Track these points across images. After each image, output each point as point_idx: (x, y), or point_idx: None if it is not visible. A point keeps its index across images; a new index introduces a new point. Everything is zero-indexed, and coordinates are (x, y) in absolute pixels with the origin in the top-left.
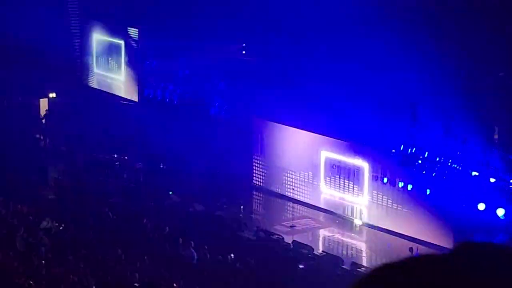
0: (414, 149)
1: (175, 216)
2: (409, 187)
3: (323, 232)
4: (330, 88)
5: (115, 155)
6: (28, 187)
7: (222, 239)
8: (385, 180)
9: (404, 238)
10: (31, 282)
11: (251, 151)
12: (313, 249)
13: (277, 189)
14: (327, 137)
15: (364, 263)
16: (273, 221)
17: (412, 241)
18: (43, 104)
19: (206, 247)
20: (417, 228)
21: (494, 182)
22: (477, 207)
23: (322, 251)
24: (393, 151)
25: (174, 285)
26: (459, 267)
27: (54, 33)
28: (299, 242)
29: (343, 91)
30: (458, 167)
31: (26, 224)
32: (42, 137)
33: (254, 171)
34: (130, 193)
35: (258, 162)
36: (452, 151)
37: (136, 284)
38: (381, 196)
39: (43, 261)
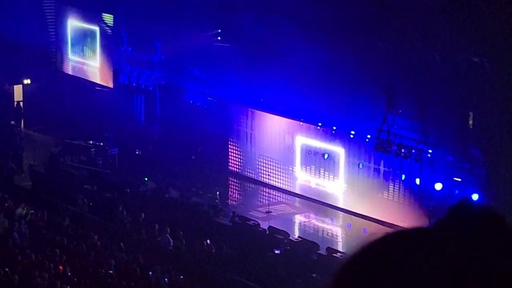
0: (389, 135)
1: (150, 203)
2: (385, 172)
3: (299, 218)
4: (305, 73)
5: (91, 142)
6: (3, 174)
7: (198, 225)
8: (361, 165)
9: (380, 223)
10: (6, 269)
11: (226, 137)
12: (289, 235)
13: (253, 175)
14: (302, 123)
15: (340, 249)
16: (249, 207)
17: (387, 226)
18: (18, 90)
19: (182, 233)
20: (392, 214)
21: (469, 167)
22: (451, 192)
23: (298, 237)
24: (369, 136)
25: (150, 273)
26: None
27: (29, 19)
28: (275, 228)
29: (318, 77)
30: (433, 152)
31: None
32: (17, 124)
33: (230, 157)
34: (105, 180)
35: (234, 148)
36: (428, 136)
37: (111, 271)
38: (356, 181)
39: (18, 248)
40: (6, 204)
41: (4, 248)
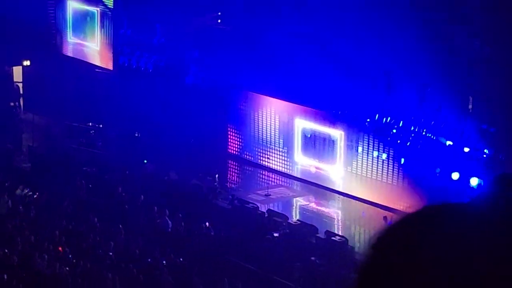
0: (388, 119)
1: (150, 185)
2: (384, 156)
3: (298, 201)
4: (305, 57)
5: (90, 124)
6: (2, 155)
7: (197, 208)
8: (360, 149)
9: (378, 207)
10: (6, 250)
11: (226, 120)
12: (287, 218)
13: (252, 158)
14: (302, 106)
15: (339, 232)
16: (248, 190)
17: (386, 210)
18: (17, 72)
19: (181, 216)
20: (391, 197)
21: (468, 151)
22: (451, 176)
23: (297, 220)
24: (368, 120)
25: (149, 259)
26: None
27: (29, 0)
28: (274, 211)
29: (319, 60)
30: (432, 137)
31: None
32: (16, 105)
33: (229, 139)
34: (104, 162)
35: (233, 131)
36: (427, 121)
37: (110, 253)
38: (355, 165)
39: (17, 229)
40: (6, 184)
41: (4, 230)
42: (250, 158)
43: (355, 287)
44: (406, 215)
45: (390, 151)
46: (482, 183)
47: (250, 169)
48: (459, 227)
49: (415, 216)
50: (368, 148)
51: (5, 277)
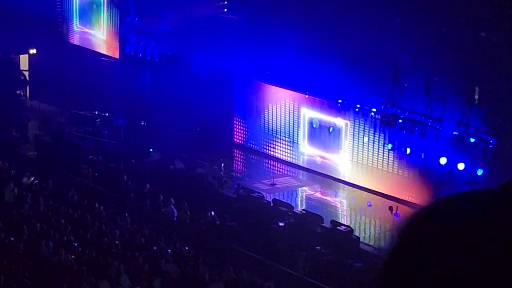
0: (394, 109)
1: (155, 174)
2: (389, 146)
3: (303, 190)
4: (311, 46)
5: (96, 112)
6: (8, 143)
7: (203, 197)
8: (366, 139)
9: (384, 197)
10: (12, 238)
11: (232, 109)
12: (293, 207)
13: (258, 147)
14: (308, 96)
15: (344, 222)
16: (254, 179)
17: (391, 200)
18: (24, 60)
19: (186, 205)
20: (396, 187)
21: (474, 142)
22: (456, 166)
23: (302, 209)
24: (374, 110)
25: (154, 248)
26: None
27: None
28: (280, 200)
29: (325, 50)
30: (438, 127)
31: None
32: (22, 93)
33: (235, 128)
34: (110, 150)
35: (239, 120)
36: (433, 111)
37: (116, 242)
38: (361, 155)
39: (23, 217)
40: (12, 172)
41: (10, 217)
42: (255, 147)
43: (382, 279)
44: (438, 200)
45: (396, 141)
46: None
47: (255, 158)
48: (494, 214)
49: (447, 201)
50: (374, 138)
51: (12, 264)
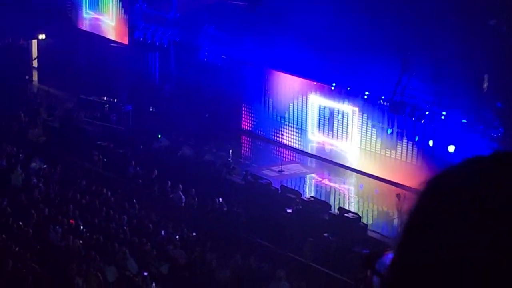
0: (403, 96)
1: (163, 159)
2: (398, 133)
3: (311, 177)
4: (320, 34)
5: (105, 98)
6: (17, 128)
7: (211, 183)
8: (374, 127)
9: (392, 185)
10: (20, 223)
11: (240, 96)
12: (301, 194)
13: (266, 134)
14: (317, 83)
15: (352, 209)
16: (262, 166)
17: (399, 187)
18: (33, 45)
19: (194, 191)
20: (405, 175)
21: (483, 129)
22: (465, 154)
23: (310, 196)
24: (383, 98)
25: (162, 232)
26: None
27: None
28: (287, 187)
29: (334, 36)
30: (447, 115)
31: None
32: (31, 78)
33: (243, 115)
34: (118, 136)
35: (247, 106)
36: (442, 98)
37: (125, 227)
38: (369, 142)
39: (32, 202)
40: (21, 156)
41: (18, 202)
42: (263, 134)
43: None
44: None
45: (405, 129)
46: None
47: (263, 145)
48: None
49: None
50: (382, 126)
51: (20, 249)
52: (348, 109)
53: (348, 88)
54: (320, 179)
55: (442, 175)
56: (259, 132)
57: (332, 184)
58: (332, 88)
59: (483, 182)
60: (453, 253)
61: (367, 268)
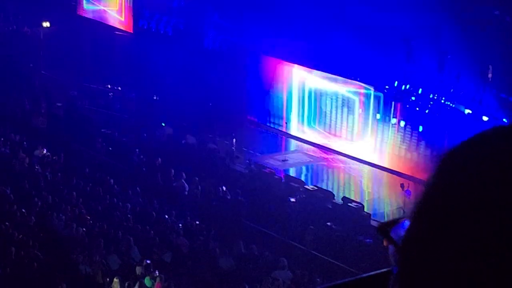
0: (408, 86)
1: (167, 148)
2: (402, 123)
3: (314, 167)
4: (324, 23)
5: (109, 86)
6: (21, 116)
7: (214, 172)
8: (378, 116)
9: (396, 174)
10: (23, 210)
11: (244, 84)
12: (304, 183)
13: (270, 123)
14: (321, 72)
15: (355, 198)
16: (266, 155)
17: (403, 177)
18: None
19: (197, 179)
20: (408, 165)
21: (487, 120)
22: None
23: (314, 185)
24: (387, 87)
25: (166, 217)
26: None
27: None
28: (291, 176)
29: (338, 26)
30: (451, 105)
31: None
32: (35, 66)
33: (247, 104)
34: (122, 124)
35: (252, 95)
36: (446, 89)
37: (128, 215)
38: (373, 132)
39: (35, 189)
40: (24, 143)
41: (22, 190)
42: (268, 123)
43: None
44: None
45: (409, 118)
46: None
47: (267, 134)
48: None
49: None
50: (386, 115)
51: (23, 236)
52: (351, 98)
53: (353, 78)
54: (324, 168)
55: (464, 144)
56: (263, 121)
57: (335, 173)
58: (337, 77)
59: (504, 151)
60: (472, 223)
61: (382, 236)
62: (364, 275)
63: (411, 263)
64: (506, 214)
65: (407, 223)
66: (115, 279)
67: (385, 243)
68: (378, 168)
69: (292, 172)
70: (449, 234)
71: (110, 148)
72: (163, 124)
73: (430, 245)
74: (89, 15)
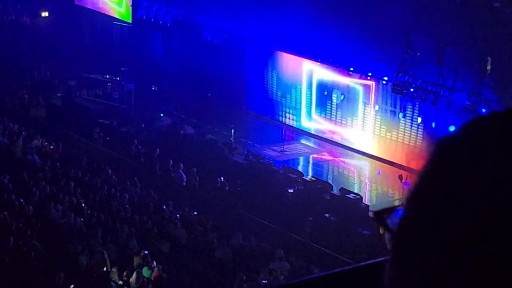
0: (407, 77)
1: (165, 138)
2: (401, 115)
3: (313, 158)
4: (324, 13)
5: (107, 76)
6: (19, 106)
7: (212, 162)
8: (377, 107)
9: (394, 166)
10: (21, 200)
11: (243, 75)
12: (302, 174)
13: (268, 114)
14: (320, 63)
15: (354, 190)
16: (264, 146)
17: (402, 169)
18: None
19: (195, 170)
20: (407, 156)
21: (485, 112)
22: None
23: (312, 177)
24: (386, 78)
25: (164, 207)
26: None
27: None
28: (289, 167)
29: (337, 17)
30: (450, 97)
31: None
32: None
33: (246, 95)
34: (121, 114)
35: (250, 86)
36: (445, 80)
37: (128, 206)
38: (372, 123)
39: (33, 179)
40: (23, 133)
41: (20, 180)
42: (266, 113)
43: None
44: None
45: (408, 110)
46: None
47: (266, 124)
48: None
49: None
50: (385, 107)
51: (21, 226)
52: (351, 90)
53: (351, 69)
54: (322, 160)
55: (458, 130)
56: (261, 111)
57: (334, 165)
58: (336, 68)
59: (499, 136)
60: (465, 208)
61: (378, 224)
62: (361, 264)
63: (405, 249)
64: (499, 198)
65: (401, 211)
66: (113, 269)
67: (381, 231)
68: (377, 159)
69: (290, 163)
70: (442, 219)
71: (108, 139)
72: (162, 115)
73: (423, 231)
74: (88, 5)
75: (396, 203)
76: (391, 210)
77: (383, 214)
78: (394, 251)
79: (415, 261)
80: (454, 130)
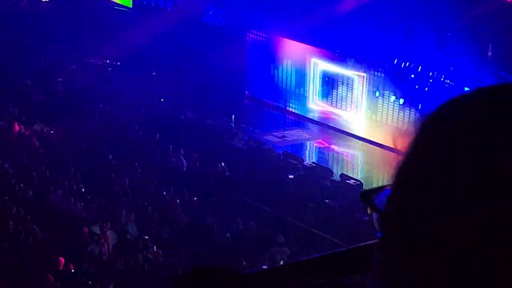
0: (407, 63)
1: (166, 123)
2: (401, 101)
3: (313, 144)
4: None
5: (107, 61)
6: (20, 90)
7: (213, 148)
8: (377, 93)
9: (394, 152)
10: (21, 184)
11: (243, 61)
12: (303, 160)
13: (269, 100)
14: (321, 49)
15: (353, 175)
16: (264, 131)
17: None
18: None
19: (196, 155)
20: (407, 142)
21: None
22: None
23: (312, 162)
24: (386, 65)
25: (164, 193)
26: None
27: None
28: (290, 153)
29: (338, 3)
30: (450, 82)
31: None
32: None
33: (246, 80)
34: (121, 99)
35: (251, 71)
36: (446, 66)
37: (128, 191)
38: (373, 109)
39: (33, 164)
40: (24, 118)
41: (19, 164)
42: (267, 99)
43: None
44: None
45: (408, 96)
46: None
47: (266, 110)
48: None
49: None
50: (385, 93)
51: (21, 211)
52: (351, 76)
53: (352, 56)
54: (323, 145)
55: (442, 107)
56: (262, 97)
57: (334, 151)
58: (336, 54)
59: (483, 112)
60: (450, 186)
61: (366, 204)
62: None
63: (392, 227)
64: (484, 173)
65: (389, 190)
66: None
67: (369, 211)
68: (377, 146)
69: (290, 149)
70: (428, 196)
71: (106, 123)
72: (162, 100)
73: (410, 208)
74: None
75: None
76: (379, 189)
77: (370, 194)
78: (382, 230)
79: (401, 240)
80: (437, 107)
